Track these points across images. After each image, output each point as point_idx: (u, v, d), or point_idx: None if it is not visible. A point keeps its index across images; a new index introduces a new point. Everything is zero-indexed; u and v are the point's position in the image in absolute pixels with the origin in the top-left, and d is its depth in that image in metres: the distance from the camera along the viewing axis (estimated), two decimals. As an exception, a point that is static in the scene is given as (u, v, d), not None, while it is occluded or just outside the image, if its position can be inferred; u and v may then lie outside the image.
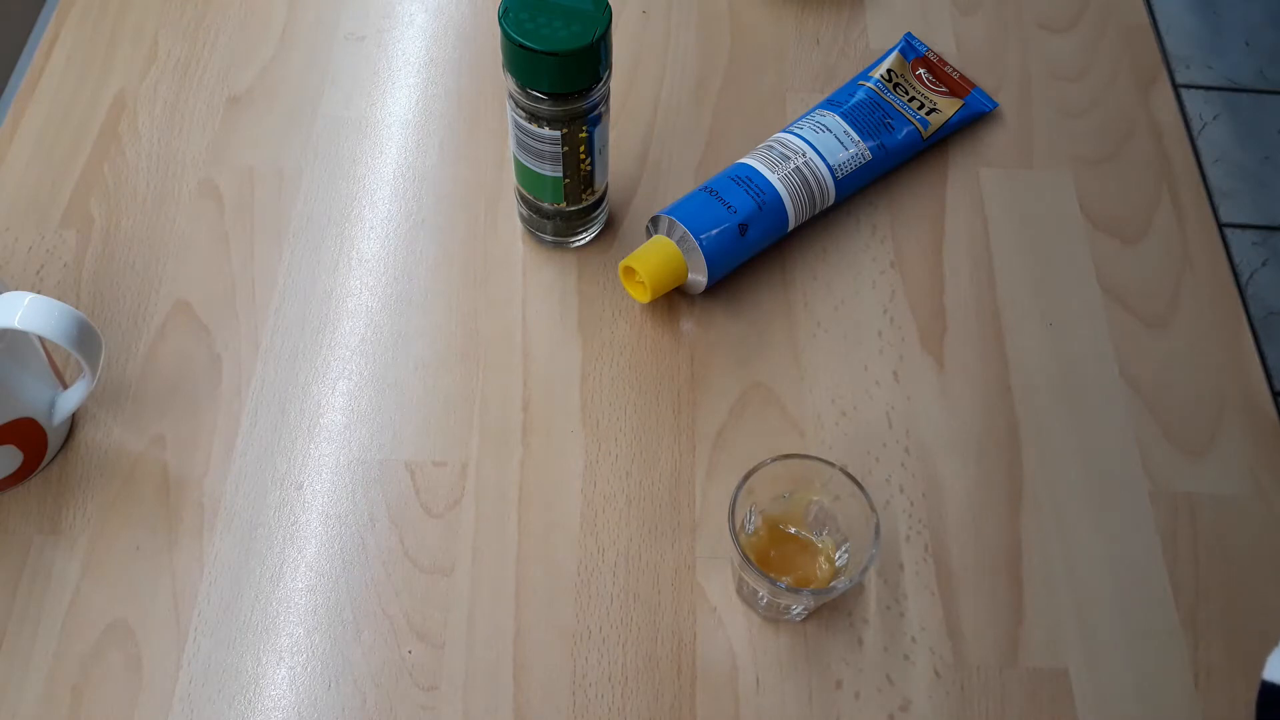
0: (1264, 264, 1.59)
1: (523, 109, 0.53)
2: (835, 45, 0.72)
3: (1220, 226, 1.53)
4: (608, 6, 0.50)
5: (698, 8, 0.73)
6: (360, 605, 0.51)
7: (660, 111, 0.68)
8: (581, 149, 0.55)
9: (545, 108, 0.52)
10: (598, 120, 0.54)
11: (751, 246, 0.59)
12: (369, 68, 0.70)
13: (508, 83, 0.53)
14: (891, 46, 0.69)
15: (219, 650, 0.50)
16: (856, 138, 0.60)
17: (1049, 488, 0.55)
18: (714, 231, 0.57)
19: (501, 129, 0.67)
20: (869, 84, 0.64)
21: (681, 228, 0.57)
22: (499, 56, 0.52)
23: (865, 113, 0.62)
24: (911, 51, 0.68)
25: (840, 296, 0.61)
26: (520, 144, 0.56)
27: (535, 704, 0.49)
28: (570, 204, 0.59)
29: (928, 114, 0.64)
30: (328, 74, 0.69)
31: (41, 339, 0.52)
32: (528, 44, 0.49)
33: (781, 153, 0.59)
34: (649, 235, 0.60)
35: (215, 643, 0.50)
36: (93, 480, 0.54)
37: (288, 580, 0.52)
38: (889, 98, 0.63)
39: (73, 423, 0.56)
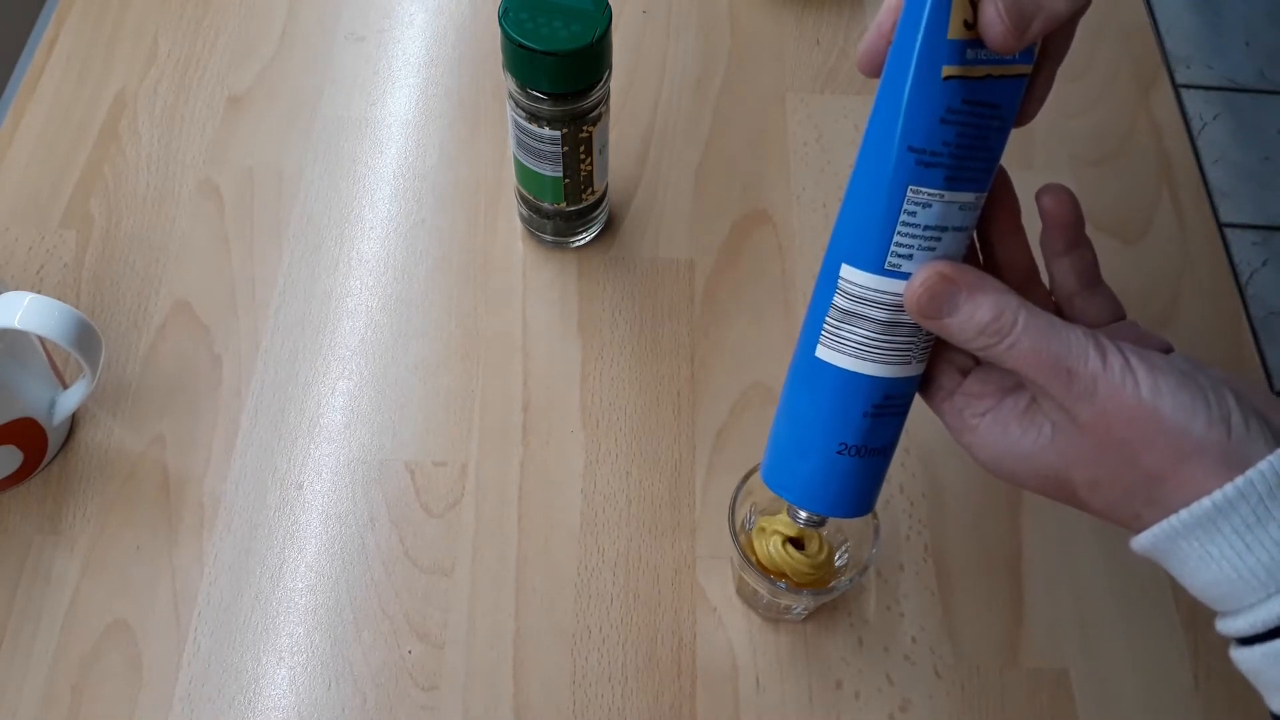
0: (1264, 264, 1.59)
1: (523, 109, 0.53)
2: (835, 45, 0.72)
3: (1220, 226, 1.53)
4: (608, 6, 0.50)
5: (698, 8, 0.73)
6: (360, 605, 0.51)
7: (660, 111, 0.68)
8: (581, 149, 0.55)
9: (545, 108, 0.52)
10: (598, 120, 0.54)
11: None
12: (369, 68, 0.70)
13: (508, 83, 0.53)
14: None
15: (219, 650, 0.50)
16: (973, 197, 0.36)
17: (1049, 488, 0.55)
18: (873, 492, 0.41)
19: (501, 129, 0.67)
20: (955, 69, 0.33)
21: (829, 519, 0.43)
22: (499, 56, 0.52)
23: (973, 141, 0.35)
24: None
25: (840, 296, 0.61)
26: (520, 144, 0.56)
27: (535, 704, 0.49)
28: (570, 204, 0.59)
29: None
30: (328, 74, 0.69)
31: (41, 339, 0.52)
32: (528, 44, 0.49)
33: (904, 323, 0.36)
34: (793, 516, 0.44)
35: (215, 643, 0.50)
36: (93, 480, 0.54)
37: (288, 580, 0.52)
38: (980, 65, 0.34)
39: (73, 423, 0.56)
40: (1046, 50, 0.37)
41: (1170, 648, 0.51)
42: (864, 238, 0.35)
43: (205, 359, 0.58)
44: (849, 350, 0.37)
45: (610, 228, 0.63)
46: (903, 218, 0.35)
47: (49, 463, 0.54)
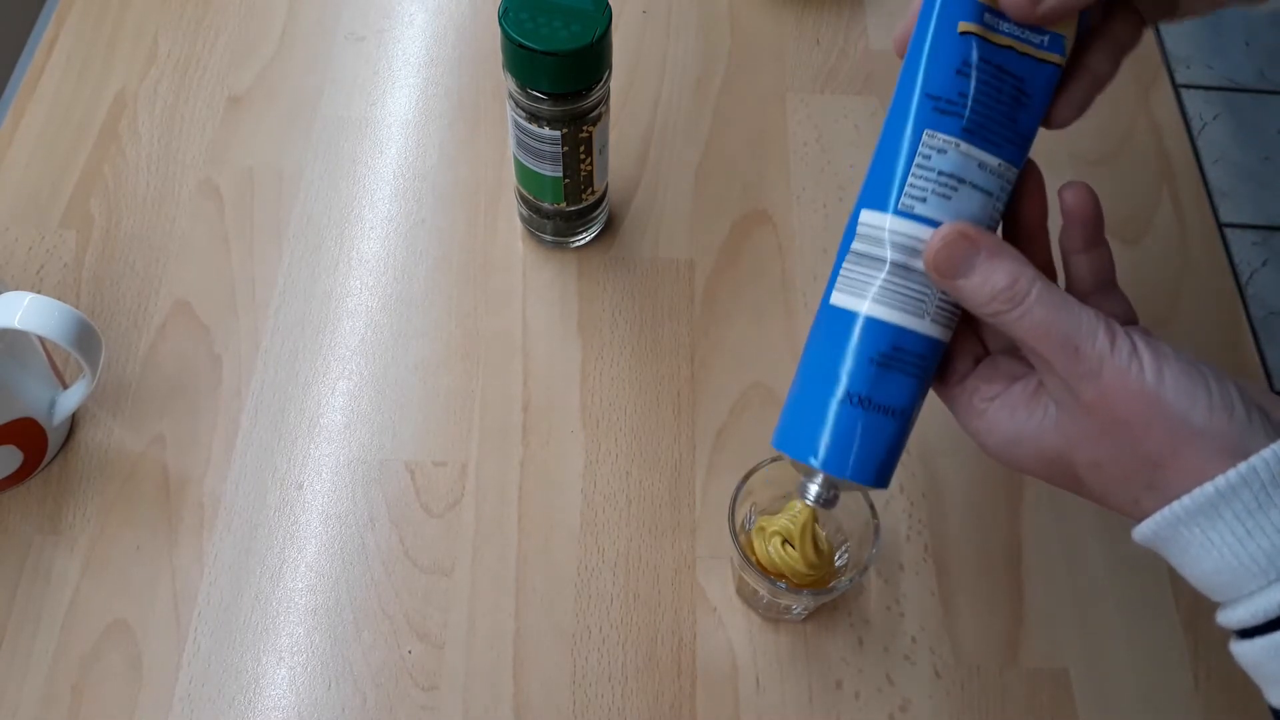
0: (1264, 264, 1.59)
1: (523, 109, 0.53)
2: (835, 45, 0.72)
3: (1220, 226, 1.53)
4: (608, 6, 0.50)
5: (698, 8, 0.73)
6: (360, 605, 0.51)
7: (660, 111, 0.68)
8: (581, 149, 0.55)
9: (545, 108, 0.52)
10: (598, 120, 0.54)
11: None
12: (369, 68, 0.70)
13: (508, 83, 0.53)
14: None
15: (219, 650, 0.50)
16: (995, 162, 0.37)
17: (1049, 487, 0.55)
18: (885, 462, 0.39)
19: (502, 129, 0.67)
20: (971, 25, 0.36)
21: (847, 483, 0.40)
22: (499, 56, 0.52)
23: (992, 102, 0.36)
24: None
25: (840, 296, 0.61)
26: (520, 144, 0.56)
27: (535, 704, 0.49)
28: (570, 204, 0.59)
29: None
30: (328, 74, 0.69)
31: (41, 339, 0.52)
32: (528, 44, 0.49)
33: (916, 268, 0.37)
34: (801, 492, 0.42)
35: (215, 643, 0.50)
36: (93, 480, 0.54)
37: (288, 580, 0.52)
38: (1002, 35, 0.36)
39: (73, 423, 0.56)
40: (1085, 63, 0.38)
41: (1170, 648, 0.51)
42: (882, 180, 0.37)
43: (205, 359, 0.58)
44: (859, 292, 0.38)
45: (610, 228, 0.63)
46: (918, 160, 0.36)
47: (49, 463, 0.54)
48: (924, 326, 0.38)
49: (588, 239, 0.62)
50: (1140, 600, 0.53)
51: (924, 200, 0.36)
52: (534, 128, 0.54)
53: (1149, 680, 0.51)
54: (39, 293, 0.48)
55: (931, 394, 0.40)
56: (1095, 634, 0.52)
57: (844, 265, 0.38)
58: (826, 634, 0.51)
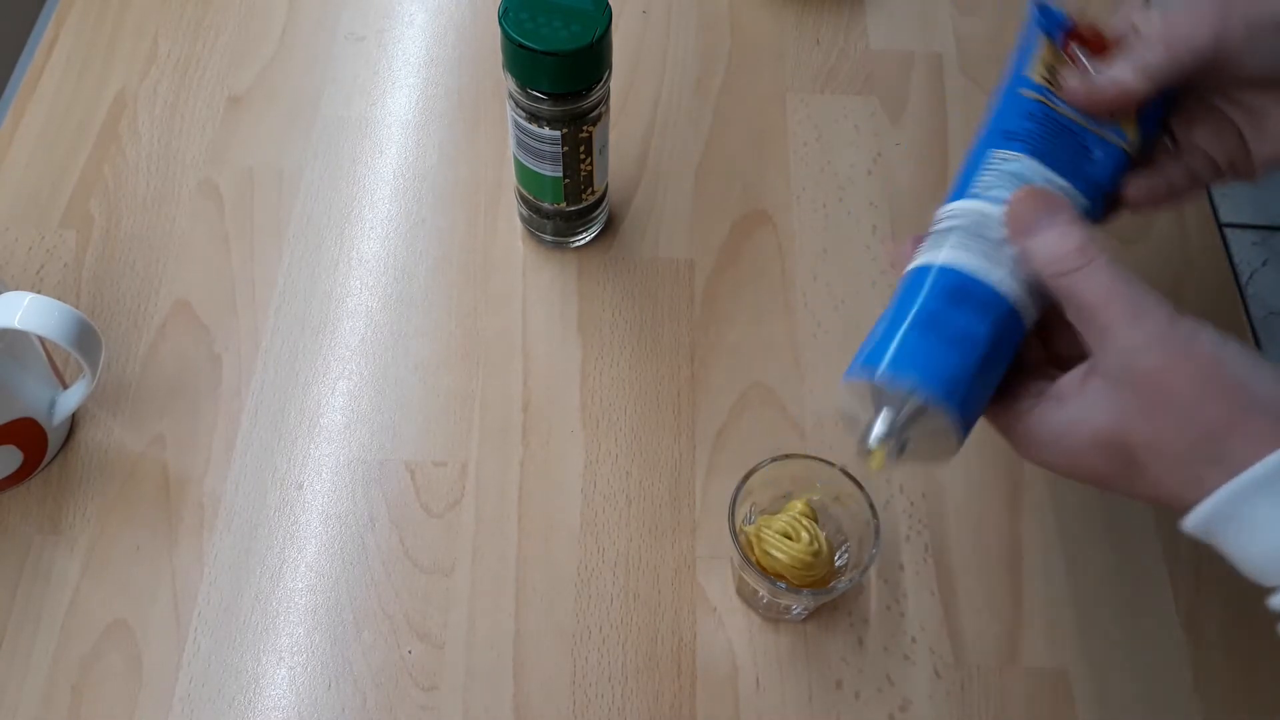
0: (1264, 264, 1.59)
1: (523, 109, 0.53)
2: (835, 45, 0.72)
3: (1220, 226, 1.53)
4: (608, 6, 0.50)
5: (698, 8, 0.73)
6: (360, 605, 0.51)
7: (660, 111, 0.68)
8: (581, 149, 0.55)
9: (545, 108, 0.52)
10: (598, 120, 0.54)
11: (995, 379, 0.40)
12: (369, 68, 0.70)
13: (508, 83, 0.53)
14: (1026, 24, 0.46)
15: (219, 650, 0.50)
16: (1063, 182, 0.41)
17: (1049, 488, 0.55)
18: (957, 379, 0.38)
19: (502, 129, 0.67)
20: (1033, 93, 0.43)
21: (917, 397, 0.38)
22: (499, 56, 0.52)
23: (1056, 140, 0.42)
24: (1054, 25, 0.45)
25: (840, 296, 0.61)
26: (520, 144, 0.56)
27: (535, 704, 0.49)
28: (570, 204, 0.59)
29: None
30: (328, 74, 0.69)
31: (41, 339, 0.52)
32: (528, 44, 0.49)
33: (988, 237, 0.40)
34: (867, 435, 0.40)
35: (215, 643, 0.50)
36: (93, 480, 0.54)
37: (288, 580, 0.52)
38: (1064, 109, 0.43)
39: (73, 423, 0.56)
40: (1160, 164, 0.44)
41: (1170, 648, 0.51)
42: (960, 183, 0.42)
43: (205, 359, 0.58)
44: (931, 248, 0.41)
45: (610, 228, 0.63)
46: (988, 164, 0.42)
47: (49, 463, 0.54)
48: (990, 273, 0.39)
49: (588, 239, 0.62)
50: (1140, 600, 0.53)
51: (991, 188, 0.41)
52: (534, 128, 0.54)
53: (1149, 680, 0.51)
54: (39, 293, 0.48)
55: None
56: (1095, 634, 0.52)
57: (921, 247, 0.41)
58: (826, 634, 0.51)
